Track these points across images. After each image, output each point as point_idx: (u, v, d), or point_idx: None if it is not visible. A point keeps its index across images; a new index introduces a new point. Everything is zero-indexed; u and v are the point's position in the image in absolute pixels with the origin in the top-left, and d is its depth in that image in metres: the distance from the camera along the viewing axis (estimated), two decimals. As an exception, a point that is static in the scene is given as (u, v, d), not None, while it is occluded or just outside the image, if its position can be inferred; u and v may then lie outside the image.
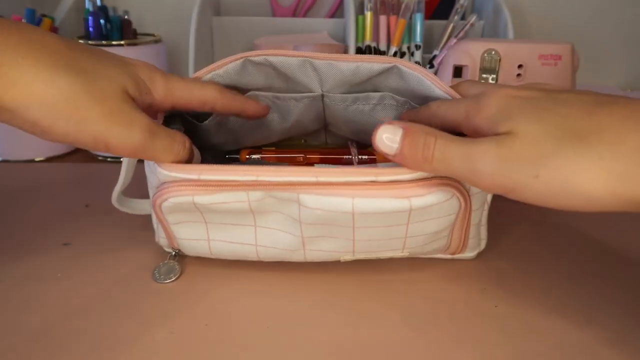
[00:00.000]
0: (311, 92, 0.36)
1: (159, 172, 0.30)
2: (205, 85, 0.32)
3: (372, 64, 0.33)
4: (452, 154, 0.26)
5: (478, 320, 0.30)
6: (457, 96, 0.32)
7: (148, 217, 0.38)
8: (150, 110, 0.31)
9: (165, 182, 0.30)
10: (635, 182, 0.22)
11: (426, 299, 0.32)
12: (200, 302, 0.32)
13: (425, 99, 0.34)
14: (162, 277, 0.34)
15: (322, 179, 0.28)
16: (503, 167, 0.24)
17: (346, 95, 0.36)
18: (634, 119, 0.23)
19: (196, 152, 0.32)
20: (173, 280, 0.33)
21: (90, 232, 0.39)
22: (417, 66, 0.33)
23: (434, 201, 0.29)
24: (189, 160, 0.31)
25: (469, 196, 0.30)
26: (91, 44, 0.56)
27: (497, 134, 0.25)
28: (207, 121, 0.37)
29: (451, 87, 0.33)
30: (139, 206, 0.39)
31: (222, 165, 0.29)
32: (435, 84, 0.32)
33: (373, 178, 0.28)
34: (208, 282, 0.33)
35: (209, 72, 0.34)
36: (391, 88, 0.35)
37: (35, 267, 0.35)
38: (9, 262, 0.35)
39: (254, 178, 0.28)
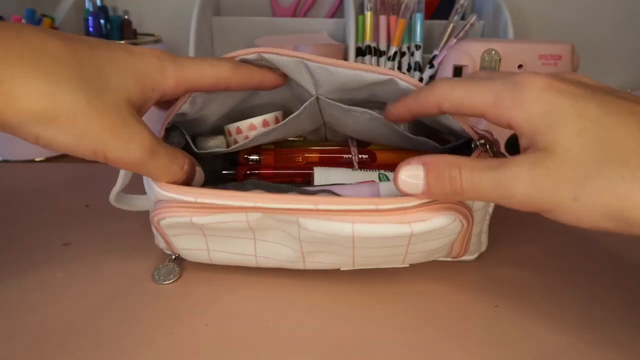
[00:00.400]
0: (307, 92, 0.35)
1: (155, 190, 0.29)
2: (216, 63, 0.31)
3: (368, 74, 0.32)
4: (482, 183, 0.24)
5: (478, 321, 0.30)
6: None
7: (148, 216, 0.38)
8: (163, 100, 0.30)
9: (161, 200, 0.30)
10: None
11: (426, 300, 0.32)
12: (200, 303, 0.32)
13: None
14: (161, 278, 0.34)
15: (321, 207, 0.28)
16: (539, 189, 0.23)
17: (341, 105, 0.35)
18: None
19: (199, 172, 0.32)
20: (172, 282, 0.33)
21: (90, 232, 0.39)
22: (415, 80, 0.32)
23: (436, 226, 0.28)
24: (187, 181, 0.31)
25: (472, 216, 0.30)
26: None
27: (533, 146, 0.23)
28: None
29: (423, 88, 0.30)
30: (138, 202, 0.38)
31: (219, 190, 0.29)
32: None
33: (374, 207, 0.28)
34: (208, 283, 0.33)
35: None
36: (388, 97, 0.35)
37: (35, 267, 0.35)
38: (9, 262, 0.35)
39: (251, 204, 0.28)
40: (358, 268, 0.33)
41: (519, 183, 0.23)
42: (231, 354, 0.27)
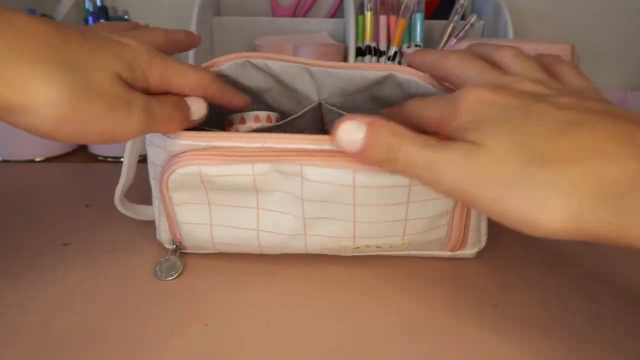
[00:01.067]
0: (309, 99, 0.36)
1: (168, 143, 0.30)
2: (199, 70, 0.32)
3: (368, 71, 0.33)
4: (417, 160, 0.25)
5: (478, 320, 0.30)
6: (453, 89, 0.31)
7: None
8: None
9: (173, 156, 0.31)
10: (591, 224, 0.21)
11: (426, 299, 0.32)
12: (201, 301, 0.32)
13: None
14: (163, 274, 0.34)
15: (325, 147, 0.29)
16: (465, 183, 0.23)
17: (342, 112, 0.35)
18: (602, 145, 0.22)
19: (195, 101, 0.32)
20: (174, 278, 0.33)
21: (90, 232, 0.39)
22: (411, 69, 0.33)
23: None
24: (185, 116, 0.31)
25: None
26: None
27: (463, 141, 0.24)
28: None
29: (442, 53, 0.31)
30: (142, 211, 0.39)
31: (230, 133, 0.30)
32: (428, 83, 0.32)
33: None
34: (209, 280, 0.33)
35: (209, 68, 0.34)
36: (390, 98, 0.35)
37: (35, 267, 0.35)
38: (9, 262, 0.35)
39: (260, 144, 0.29)
40: (358, 248, 0.33)
41: (450, 170, 0.24)
42: (231, 354, 0.27)
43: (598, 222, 0.21)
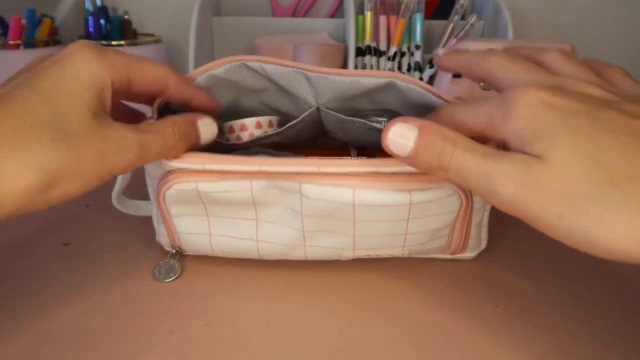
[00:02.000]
0: (307, 102, 0.35)
1: (163, 163, 0.30)
2: (158, 64, 0.30)
3: (368, 78, 0.32)
4: (469, 168, 0.23)
5: (478, 320, 0.30)
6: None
7: (148, 217, 0.38)
8: (115, 96, 0.29)
9: (169, 171, 0.30)
10: None
11: (426, 299, 0.32)
12: (200, 302, 0.32)
13: (429, 111, 0.33)
14: (162, 276, 0.34)
15: (324, 169, 0.28)
16: (524, 197, 0.22)
17: (340, 116, 0.35)
18: None
19: (207, 125, 0.32)
20: (173, 280, 0.33)
21: (90, 232, 0.39)
22: (415, 79, 0.32)
23: (434, 197, 0.29)
24: (194, 142, 0.30)
25: (470, 195, 0.30)
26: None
27: (523, 153, 0.22)
28: None
29: (481, 54, 0.30)
30: (140, 207, 0.39)
31: (226, 156, 0.29)
32: (435, 96, 0.31)
33: (374, 169, 0.28)
34: (208, 281, 0.34)
35: (205, 72, 0.34)
36: (390, 103, 0.35)
37: (35, 267, 0.35)
38: (9, 262, 0.36)
39: (257, 168, 0.29)
40: (358, 256, 0.33)
41: (506, 182, 0.22)
42: (231, 354, 0.27)
43: None
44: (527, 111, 0.23)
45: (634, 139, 0.21)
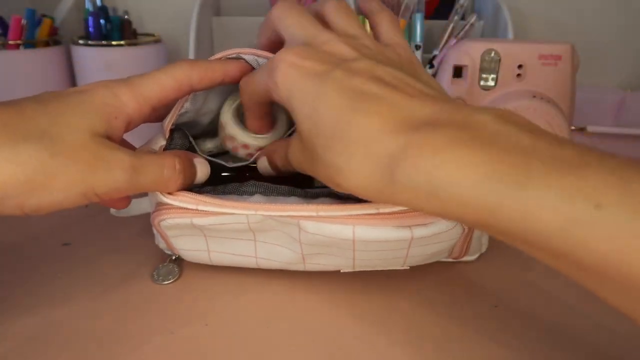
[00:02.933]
0: None
1: (158, 195, 0.30)
2: (171, 67, 0.29)
3: None
4: (282, 159, 0.30)
5: (478, 321, 0.30)
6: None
7: (148, 217, 0.38)
8: (130, 127, 0.29)
9: (163, 203, 0.30)
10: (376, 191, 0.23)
11: (426, 299, 0.32)
12: (200, 303, 0.32)
13: None
14: (160, 278, 0.34)
15: (322, 213, 0.28)
16: (300, 162, 0.27)
17: None
18: (379, 135, 0.23)
19: (202, 164, 0.32)
20: (172, 282, 0.33)
21: (90, 232, 0.39)
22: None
23: (436, 231, 0.28)
24: (189, 179, 0.30)
25: None
26: (91, 44, 0.56)
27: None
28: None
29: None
30: (138, 206, 0.38)
31: (220, 200, 0.29)
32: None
33: (375, 211, 0.28)
34: (208, 283, 0.33)
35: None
36: None
37: (35, 267, 0.35)
38: (9, 262, 0.36)
39: (252, 212, 0.28)
40: (358, 270, 0.33)
41: (292, 157, 0.28)
42: (231, 354, 0.27)
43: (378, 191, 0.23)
44: (282, 78, 0.26)
45: (342, 98, 0.23)
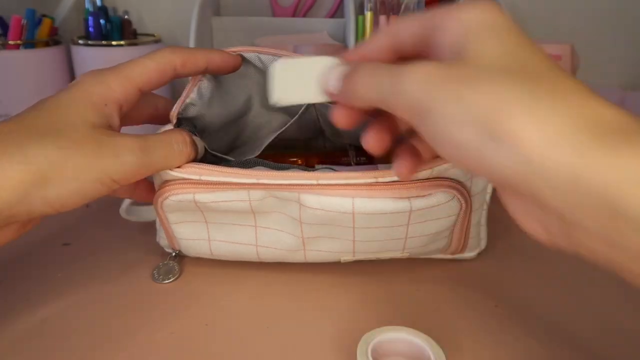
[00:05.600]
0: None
1: (160, 174, 0.30)
2: (155, 54, 0.31)
3: None
4: (379, 74, 0.22)
5: (478, 320, 0.30)
6: None
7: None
8: (123, 110, 0.30)
9: (166, 181, 0.30)
10: None
11: (426, 299, 0.32)
12: (200, 302, 0.32)
13: None
14: (161, 277, 0.34)
15: (322, 181, 0.28)
16: (428, 84, 0.20)
17: None
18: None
19: (199, 143, 0.32)
20: (172, 281, 0.33)
21: (90, 232, 0.40)
22: None
23: (434, 203, 0.29)
24: (195, 155, 0.31)
25: (469, 197, 0.30)
26: (91, 44, 0.56)
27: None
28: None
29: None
30: (146, 214, 0.39)
31: (223, 167, 0.29)
32: None
33: (373, 180, 0.28)
34: (207, 282, 0.34)
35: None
36: None
37: (35, 267, 0.35)
38: (9, 262, 0.36)
39: (254, 180, 0.29)
40: (358, 259, 0.33)
41: (413, 77, 0.20)
42: (231, 353, 0.27)
43: None
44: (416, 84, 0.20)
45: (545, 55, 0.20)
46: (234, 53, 0.33)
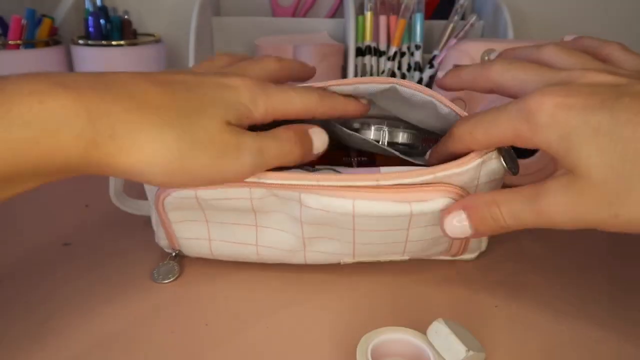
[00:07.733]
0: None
1: None
2: (304, 94, 0.30)
3: (369, 85, 0.32)
4: (524, 216, 0.25)
5: (478, 320, 0.30)
6: (462, 113, 0.30)
7: (148, 217, 0.38)
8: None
9: None
10: None
11: (426, 299, 0.32)
12: (200, 302, 0.32)
13: (432, 114, 0.33)
14: (160, 277, 0.34)
15: (323, 182, 0.28)
16: (579, 213, 0.23)
17: (344, 129, 0.34)
18: None
19: (319, 133, 0.31)
20: (172, 281, 0.33)
21: (90, 232, 0.39)
22: (417, 85, 0.32)
23: (435, 207, 0.28)
24: (307, 150, 0.30)
25: None
26: (91, 44, 0.56)
27: (562, 168, 0.24)
28: None
29: (480, 65, 0.30)
30: (139, 206, 0.39)
31: None
32: (438, 102, 0.31)
33: (374, 183, 0.28)
34: (207, 282, 0.34)
35: None
36: (392, 109, 0.35)
37: (35, 267, 0.35)
38: (9, 262, 0.36)
39: (255, 180, 0.29)
40: (358, 260, 0.33)
41: (558, 210, 0.24)
42: (231, 353, 0.27)
43: None
44: (549, 120, 0.24)
45: None
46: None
